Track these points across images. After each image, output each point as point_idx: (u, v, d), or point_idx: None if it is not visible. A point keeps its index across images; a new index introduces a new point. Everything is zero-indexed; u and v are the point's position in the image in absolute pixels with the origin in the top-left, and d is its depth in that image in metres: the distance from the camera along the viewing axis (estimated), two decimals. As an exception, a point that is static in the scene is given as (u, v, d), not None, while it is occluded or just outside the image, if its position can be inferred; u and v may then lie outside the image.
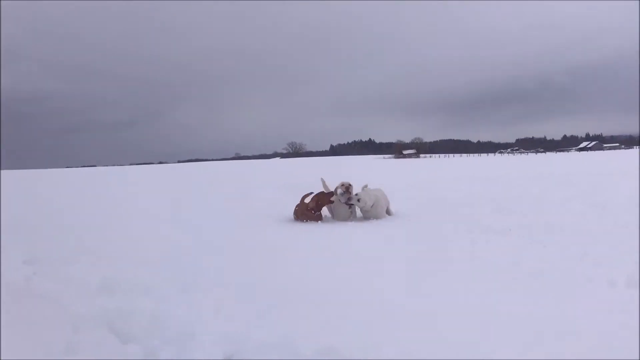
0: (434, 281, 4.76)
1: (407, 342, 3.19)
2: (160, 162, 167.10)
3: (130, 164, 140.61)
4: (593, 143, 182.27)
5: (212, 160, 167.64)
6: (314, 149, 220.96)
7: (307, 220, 9.23)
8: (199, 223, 9.55)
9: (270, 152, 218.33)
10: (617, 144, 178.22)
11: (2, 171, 48.56)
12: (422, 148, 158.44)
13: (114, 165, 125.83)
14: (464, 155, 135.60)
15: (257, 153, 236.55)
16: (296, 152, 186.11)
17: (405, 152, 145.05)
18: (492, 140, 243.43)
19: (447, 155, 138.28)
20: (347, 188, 9.32)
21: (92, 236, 7.97)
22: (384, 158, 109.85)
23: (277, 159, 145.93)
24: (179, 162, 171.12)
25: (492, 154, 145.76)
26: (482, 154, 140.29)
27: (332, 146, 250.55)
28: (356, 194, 9.26)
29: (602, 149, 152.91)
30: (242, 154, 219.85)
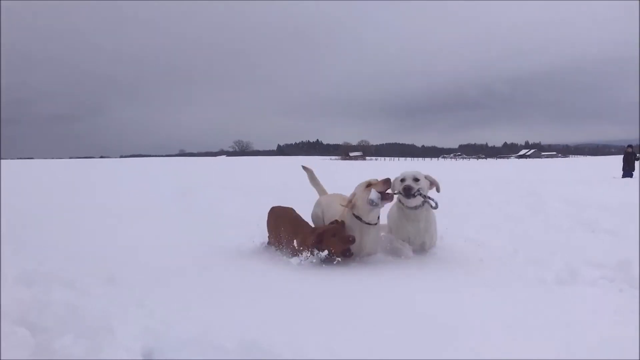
0: (358, 279, 4.77)
1: (329, 336, 3.13)
2: (102, 157, 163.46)
3: (70, 158, 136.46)
4: (532, 151, 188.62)
5: (156, 156, 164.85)
6: (261, 148, 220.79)
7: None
8: (129, 218, 9.28)
9: (216, 150, 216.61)
10: (554, 153, 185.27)
11: None
12: (368, 151, 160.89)
13: (52, 158, 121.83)
14: (409, 158, 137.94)
15: (202, 150, 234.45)
16: (243, 150, 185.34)
17: (351, 154, 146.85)
18: (436, 145, 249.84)
19: (392, 158, 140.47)
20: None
21: (19, 228, 7.64)
22: (330, 159, 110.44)
23: (224, 156, 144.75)
24: (121, 157, 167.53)
25: (436, 159, 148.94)
26: (425, 158, 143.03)
27: (279, 146, 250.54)
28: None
29: (540, 156, 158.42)
30: (187, 151, 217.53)
